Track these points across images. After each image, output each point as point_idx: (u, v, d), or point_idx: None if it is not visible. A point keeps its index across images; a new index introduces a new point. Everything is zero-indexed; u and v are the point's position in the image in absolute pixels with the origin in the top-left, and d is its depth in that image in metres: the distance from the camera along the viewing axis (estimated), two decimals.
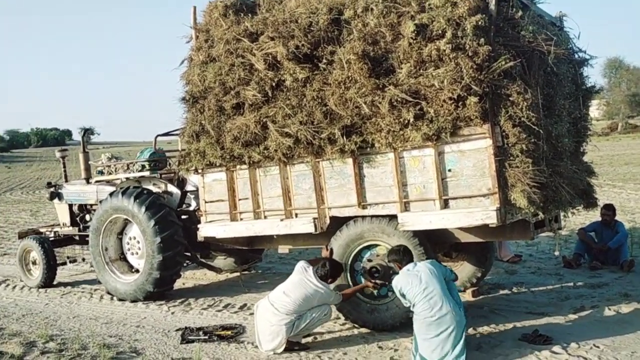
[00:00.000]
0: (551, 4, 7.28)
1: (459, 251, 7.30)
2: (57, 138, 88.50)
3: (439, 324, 5.06)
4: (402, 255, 5.49)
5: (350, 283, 6.22)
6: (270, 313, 5.71)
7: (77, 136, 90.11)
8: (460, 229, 5.81)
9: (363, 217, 6.05)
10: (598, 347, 5.27)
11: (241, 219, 6.86)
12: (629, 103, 60.44)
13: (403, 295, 5.28)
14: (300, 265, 6.06)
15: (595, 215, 9.53)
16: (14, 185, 35.12)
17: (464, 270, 7.24)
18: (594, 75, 6.97)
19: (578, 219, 10.14)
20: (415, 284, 5.18)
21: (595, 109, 53.54)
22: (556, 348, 5.28)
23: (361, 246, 6.16)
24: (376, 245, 6.13)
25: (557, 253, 7.46)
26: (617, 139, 45.68)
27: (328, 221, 6.22)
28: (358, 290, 6.10)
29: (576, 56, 6.60)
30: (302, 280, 5.85)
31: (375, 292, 6.15)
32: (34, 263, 9.40)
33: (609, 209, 8.48)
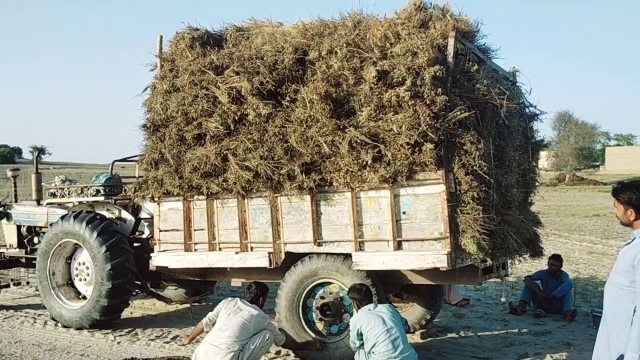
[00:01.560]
0: (505, 59, 7.64)
1: (410, 293, 7.42)
2: (7, 155, 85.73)
3: None
4: (363, 295, 5.57)
5: (302, 320, 6.24)
6: (213, 355, 5.64)
7: (27, 154, 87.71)
8: (412, 270, 5.94)
9: (318, 254, 6.12)
10: None
11: (195, 250, 6.83)
12: (577, 156, 62.94)
13: (360, 334, 5.35)
14: (222, 303, 6.04)
15: (540, 264, 9.85)
16: None
17: (414, 311, 7.35)
18: (544, 128, 7.33)
19: (524, 266, 10.43)
20: (377, 323, 5.28)
21: (544, 160, 55.54)
22: None
23: (315, 283, 6.21)
24: (329, 283, 6.19)
25: (503, 299, 7.67)
26: (565, 190, 47.23)
27: (283, 256, 6.26)
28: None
29: (527, 110, 6.93)
30: (233, 311, 5.90)
31: (326, 328, 6.18)
32: None
33: (557, 260, 8.78)
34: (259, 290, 6.14)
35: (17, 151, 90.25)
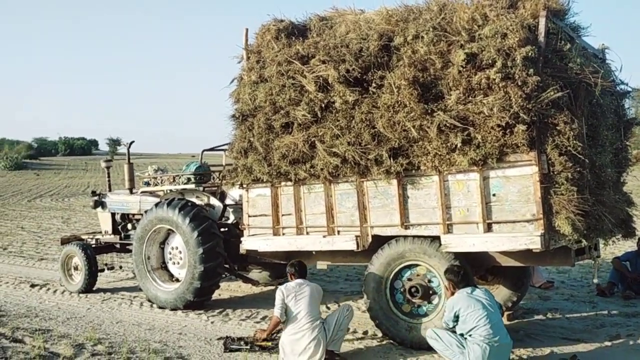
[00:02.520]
0: (597, 37, 7.44)
1: (495, 275, 7.41)
2: (84, 147, 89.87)
3: (499, 351, 5.28)
4: (460, 277, 5.58)
5: (390, 301, 6.36)
6: (301, 338, 5.79)
7: (103, 146, 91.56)
8: (502, 252, 5.94)
9: (405, 237, 6.21)
10: None
11: (283, 234, 7.07)
12: None
13: (457, 317, 5.42)
14: (280, 293, 6.05)
15: (625, 246, 9.59)
16: (43, 192, 35.79)
17: (500, 293, 7.33)
18: (634, 105, 7.07)
19: (609, 248, 10.17)
20: (477, 307, 5.33)
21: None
22: None
23: (402, 265, 6.31)
24: (417, 265, 6.28)
25: (595, 280, 7.51)
26: None
27: (370, 239, 6.39)
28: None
29: (618, 88, 6.75)
30: (299, 292, 5.99)
31: (413, 310, 6.29)
32: (76, 269, 9.69)
33: None
34: (297, 265, 6.27)
35: (94, 143, 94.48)
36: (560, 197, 5.31)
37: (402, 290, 6.35)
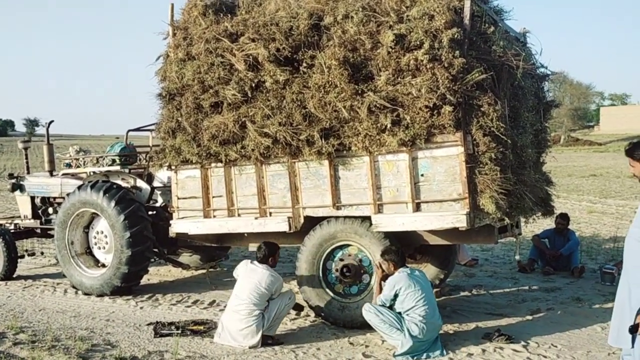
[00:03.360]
0: (518, 20, 7.66)
1: (423, 253, 7.60)
2: None
3: (433, 329, 5.55)
4: (400, 257, 5.75)
5: (322, 282, 6.41)
6: (236, 320, 5.81)
7: (20, 127, 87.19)
8: (430, 231, 6.08)
9: (336, 217, 6.25)
10: (556, 346, 5.62)
11: (214, 216, 6.96)
12: (572, 117, 63.12)
13: (396, 295, 5.57)
14: (241, 264, 6.22)
15: (544, 224, 10.07)
16: None
17: (428, 272, 7.48)
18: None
19: (529, 226, 10.64)
20: (417, 288, 5.53)
21: None
22: (517, 347, 5.60)
23: (334, 246, 6.35)
24: (348, 245, 6.34)
25: (517, 257, 7.87)
26: (560, 151, 47.46)
27: (302, 220, 6.40)
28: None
29: (538, 71, 7.00)
30: (246, 274, 6.04)
31: (345, 289, 6.37)
32: None
33: (564, 218, 8.97)
34: (268, 249, 6.13)
35: (10, 124, 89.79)
36: (485, 177, 5.47)
37: (334, 270, 6.40)
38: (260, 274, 5.98)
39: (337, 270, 6.35)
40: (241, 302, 5.87)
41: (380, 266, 5.84)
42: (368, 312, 5.68)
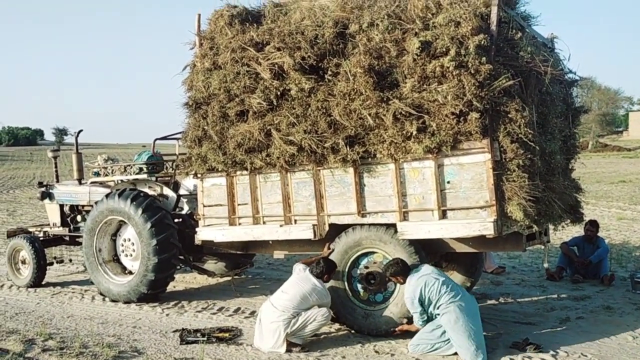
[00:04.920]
0: (546, 26, 7.59)
1: (449, 261, 7.53)
2: (29, 137, 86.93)
3: (468, 307, 5.65)
4: (402, 267, 5.78)
5: (347, 289, 6.39)
6: (270, 312, 5.97)
7: (49, 136, 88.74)
8: (456, 239, 6.03)
9: (361, 225, 6.24)
10: (586, 356, 5.52)
11: (240, 224, 6.99)
12: (600, 122, 62.12)
13: (421, 303, 5.60)
14: (298, 266, 6.36)
15: (573, 231, 9.91)
16: None
17: (454, 279, 7.38)
18: None
19: (558, 233, 10.49)
20: (430, 282, 5.59)
21: None
22: (546, 356, 5.52)
23: (359, 253, 6.34)
24: (373, 253, 6.32)
25: (546, 265, 7.77)
26: (588, 157, 46.65)
27: (327, 228, 6.39)
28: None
29: (566, 77, 6.92)
30: (299, 279, 6.15)
31: (371, 297, 6.33)
32: (24, 262, 9.37)
33: (593, 225, 8.81)
34: (326, 267, 6.16)
35: (39, 133, 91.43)
36: (512, 184, 5.41)
37: (359, 278, 6.38)
38: (312, 285, 6.05)
39: (362, 278, 6.33)
40: (284, 298, 5.99)
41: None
42: (414, 352, 5.69)
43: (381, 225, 6.16)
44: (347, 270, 6.39)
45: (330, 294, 6.33)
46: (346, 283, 6.40)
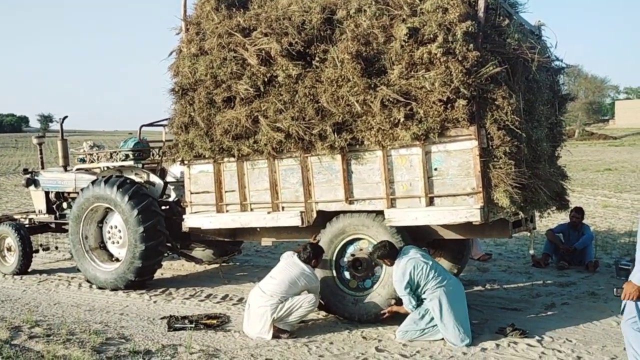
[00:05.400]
0: (533, 13, 7.59)
1: (437, 248, 7.57)
2: (14, 124, 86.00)
3: (454, 292, 5.71)
4: (389, 250, 5.77)
5: (337, 278, 6.39)
6: (258, 297, 5.99)
7: (34, 123, 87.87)
8: (443, 226, 6.05)
9: (344, 213, 6.25)
10: (571, 341, 5.58)
11: (227, 211, 6.97)
12: (586, 111, 62.41)
13: (408, 284, 5.61)
14: (286, 253, 6.36)
15: (558, 218, 9.98)
16: None
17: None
18: None
19: (543, 220, 10.56)
20: (419, 265, 5.63)
21: None
22: (532, 341, 5.57)
23: (344, 241, 6.34)
24: (359, 239, 6.32)
25: (532, 251, 7.83)
26: (575, 145, 46.92)
27: (315, 215, 6.39)
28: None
29: (553, 64, 6.93)
30: (287, 264, 6.17)
31: (360, 284, 6.34)
32: (9, 249, 9.30)
33: (579, 212, 8.89)
34: (313, 251, 6.16)
35: (24, 120, 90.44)
36: (499, 171, 5.43)
37: (347, 266, 6.39)
38: (301, 270, 6.05)
39: (349, 265, 6.33)
40: (272, 283, 6.01)
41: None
42: (402, 338, 5.69)
43: (363, 210, 6.16)
44: (334, 259, 6.38)
45: (320, 285, 6.31)
46: (334, 272, 6.39)
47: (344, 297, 6.33)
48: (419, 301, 5.70)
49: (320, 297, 6.35)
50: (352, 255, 6.35)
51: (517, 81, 5.74)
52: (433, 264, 5.79)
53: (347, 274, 6.38)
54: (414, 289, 5.69)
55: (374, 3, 5.82)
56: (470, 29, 5.38)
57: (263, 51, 6.23)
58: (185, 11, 7.15)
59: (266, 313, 5.83)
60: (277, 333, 5.85)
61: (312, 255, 6.15)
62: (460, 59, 5.36)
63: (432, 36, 5.47)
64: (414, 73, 5.57)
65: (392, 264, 5.81)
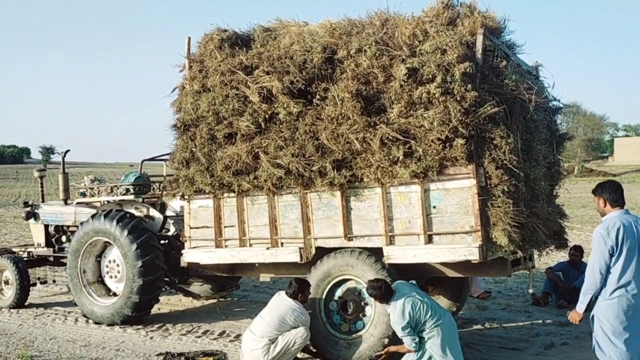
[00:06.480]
0: (530, 54, 7.73)
1: (435, 285, 7.54)
2: (15, 155, 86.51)
3: (449, 329, 5.65)
4: (384, 291, 5.66)
5: (327, 323, 6.32)
6: (249, 340, 5.95)
7: (35, 154, 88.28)
8: (442, 263, 6.05)
9: (328, 255, 6.24)
10: None
11: (226, 246, 6.98)
12: (585, 147, 62.86)
13: (410, 324, 5.54)
14: (276, 293, 6.32)
15: (558, 256, 9.95)
16: None
17: (440, 304, 7.44)
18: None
19: (543, 259, 10.52)
20: (416, 304, 5.57)
21: None
22: None
23: (331, 284, 6.28)
24: (345, 280, 6.26)
25: (531, 290, 7.79)
26: (574, 182, 46.98)
27: (314, 251, 6.39)
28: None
29: (551, 104, 7.03)
30: (274, 302, 6.16)
31: (352, 327, 6.25)
32: (7, 283, 9.27)
33: (578, 250, 8.88)
34: (298, 286, 6.15)
35: (26, 151, 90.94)
36: (497, 210, 5.45)
37: (337, 310, 6.31)
38: (287, 307, 6.03)
39: (339, 309, 6.27)
40: (261, 323, 5.98)
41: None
42: None
43: (346, 250, 6.15)
44: (323, 304, 6.31)
45: (311, 332, 6.19)
46: (325, 317, 6.31)
47: (336, 343, 6.21)
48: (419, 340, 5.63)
49: (313, 345, 6.29)
50: (340, 297, 6.29)
51: (515, 121, 5.82)
52: (428, 300, 5.75)
53: (337, 318, 6.31)
54: (414, 328, 5.61)
55: (374, 43, 5.93)
56: (468, 70, 5.47)
57: (265, 89, 6.34)
58: (189, 49, 7.29)
59: (258, 356, 5.79)
60: None
61: (298, 290, 6.12)
62: (458, 98, 5.44)
63: (431, 76, 5.56)
64: (413, 112, 5.65)
65: (387, 303, 5.72)
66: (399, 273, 6.18)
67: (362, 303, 6.19)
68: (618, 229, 4.48)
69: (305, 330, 6.02)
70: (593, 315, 4.73)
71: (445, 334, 5.56)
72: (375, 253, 6.06)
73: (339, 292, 6.32)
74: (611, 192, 4.65)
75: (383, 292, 5.68)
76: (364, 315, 6.21)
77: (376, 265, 5.99)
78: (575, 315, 4.81)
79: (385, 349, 5.91)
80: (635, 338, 4.55)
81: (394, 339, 5.82)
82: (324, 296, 6.30)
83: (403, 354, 5.76)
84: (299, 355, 6.22)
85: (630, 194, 32.84)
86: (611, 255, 4.49)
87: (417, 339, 5.59)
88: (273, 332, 5.88)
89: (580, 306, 4.70)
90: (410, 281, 6.08)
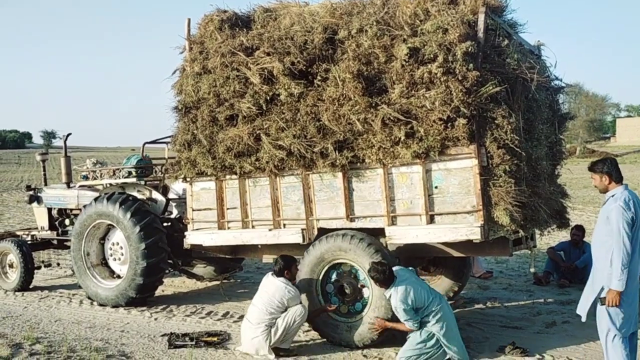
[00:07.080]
0: (532, 33, 7.67)
1: (437, 266, 7.59)
2: (17, 140, 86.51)
3: (449, 311, 5.69)
4: (387, 275, 5.61)
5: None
6: (247, 329, 5.97)
7: (37, 139, 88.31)
8: (443, 243, 6.07)
9: (320, 240, 6.23)
10: (571, 359, 5.57)
11: (229, 228, 7.00)
12: (587, 128, 62.50)
13: (412, 309, 5.55)
14: (265, 276, 6.34)
15: (560, 236, 9.99)
16: None
17: (442, 284, 7.52)
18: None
19: (544, 238, 10.56)
20: (417, 287, 5.58)
21: None
22: None
23: (325, 268, 6.26)
24: (340, 264, 6.24)
25: (532, 269, 7.83)
26: (576, 163, 46.69)
27: (316, 232, 6.41)
28: (320, 312, 6.22)
29: (553, 84, 7.00)
30: (263, 286, 6.17)
31: (351, 309, 6.25)
32: (11, 266, 9.32)
33: (580, 230, 8.91)
34: (283, 263, 6.15)
35: (27, 136, 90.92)
36: (499, 189, 5.46)
37: (334, 293, 6.31)
38: (275, 286, 6.02)
39: (336, 292, 6.28)
40: (254, 311, 5.98)
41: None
42: (405, 357, 5.56)
43: (338, 234, 6.13)
44: (320, 288, 6.31)
45: (312, 318, 6.23)
46: (323, 301, 6.30)
47: (337, 326, 6.21)
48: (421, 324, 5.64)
49: (315, 327, 6.32)
50: (337, 281, 6.27)
51: (517, 100, 5.80)
52: (426, 286, 5.80)
53: (335, 300, 6.31)
54: (416, 313, 5.61)
55: (375, 23, 5.89)
56: (470, 49, 5.44)
57: (265, 70, 6.31)
58: (189, 31, 7.24)
59: (260, 342, 5.83)
60: (276, 352, 5.86)
61: (284, 267, 6.14)
62: (460, 78, 5.42)
63: (432, 56, 5.54)
64: (414, 92, 5.63)
65: (387, 288, 5.67)
66: (401, 253, 6.22)
67: (359, 285, 6.17)
68: (633, 202, 4.62)
69: (302, 307, 6.03)
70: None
71: (448, 317, 5.59)
72: (368, 236, 6.05)
73: (334, 276, 6.28)
74: (614, 168, 4.78)
75: (386, 277, 5.63)
76: (362, 297, 6.20)
77: (369, 248, 5.92)
78: (615, 296, 4.61)
79: (384, 323, 5.87)
80: (634, 305, 4.75)
81: (394, 321, 5.83)
82: (320, 280, 6.28)
83: (401, 332, 5.78)
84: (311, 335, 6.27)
85: (632, 174, 32.87)
86: (632, 226, 4.54)
87: (419, 324, 5.60)
88: (268, 317, 5.87)
89: (619, 283, 4.54)
90: (409, 267, 6.08)
